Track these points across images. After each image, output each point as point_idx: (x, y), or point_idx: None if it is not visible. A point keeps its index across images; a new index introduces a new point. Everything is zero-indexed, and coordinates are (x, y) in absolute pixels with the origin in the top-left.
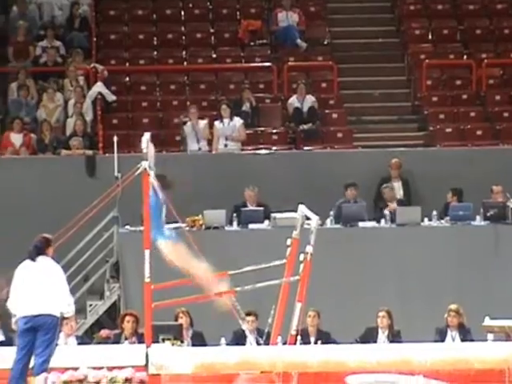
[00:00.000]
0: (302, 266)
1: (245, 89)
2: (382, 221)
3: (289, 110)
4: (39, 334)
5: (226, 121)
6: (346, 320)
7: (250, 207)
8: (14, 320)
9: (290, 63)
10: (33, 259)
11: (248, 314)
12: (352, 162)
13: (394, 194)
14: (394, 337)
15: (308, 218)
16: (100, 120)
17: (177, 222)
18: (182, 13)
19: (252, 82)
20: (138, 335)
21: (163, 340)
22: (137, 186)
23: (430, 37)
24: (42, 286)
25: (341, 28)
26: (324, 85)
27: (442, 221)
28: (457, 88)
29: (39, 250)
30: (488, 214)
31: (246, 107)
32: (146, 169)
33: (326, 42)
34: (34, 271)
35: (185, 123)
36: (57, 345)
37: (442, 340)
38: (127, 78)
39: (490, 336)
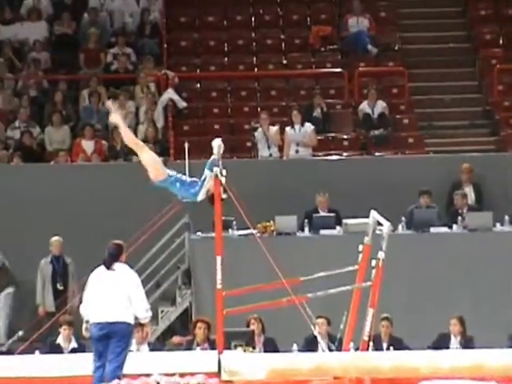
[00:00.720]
0: (373, 271)
1: (316, 95)
2: (454, 226)
3: (359, 116)
4: (112, 340)
5: (297, 127)
6: (418, 326)
7: (322, 213)
8: (84, 326)
9: (360, 69)
10: (107, 267)
11: (318, 317)
12: (423, 167)
13: (465, 200)
14: (467, 343)
15: (380, 224)
16: (171, 126)
17: (248, 228)
18: (253, 19)
19: (323, 88)
20: (209, 341)
21: (235, 346)
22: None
23: (501, 41)
24: (116, 293)
25: (412, 33)
26: (395, 90)
27: None
28: None
29: (113, 258)
30: None
31: (316, 113)
32: (217, 175)
33: (396, 48)
34: (109, 278)
35: (256, 129)
36: (129, 351)
37: None
38: (198, 85)
39: None
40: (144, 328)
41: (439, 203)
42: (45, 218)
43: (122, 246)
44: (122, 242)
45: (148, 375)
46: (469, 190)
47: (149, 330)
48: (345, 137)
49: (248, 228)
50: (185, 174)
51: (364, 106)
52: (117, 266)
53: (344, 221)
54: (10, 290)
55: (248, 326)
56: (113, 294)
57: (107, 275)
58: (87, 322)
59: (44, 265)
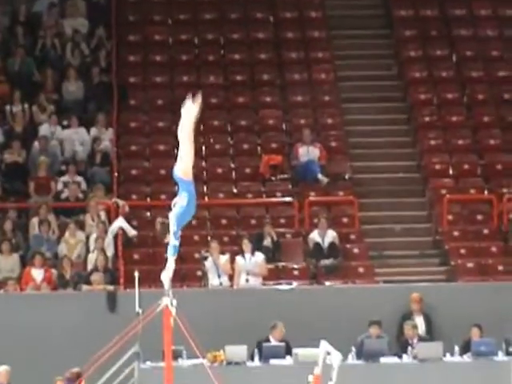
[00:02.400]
0: None
1: (266, 224)
2: (404, 356)
3: (310, 245)
4: None
5: (247, 256)
6: None
7: (273, 343)
8: None
9: (311, 198)
10: None
11: None
12: (373, 297)
13: (415, 331)
14: None
15: (330, 354)
16: (121, 255)
17: (198, 358)
18: (203, 148)
19: (273, 217)
20: None
21: None
22: (158, 321)
23: (450, 172)
24: None
25: (362, 163)
26: (345, 219)
27: (464, 356)
28: (478, 223)
29: None
30: (510, 349)
31: (267, 242)
32: (167, 305)
33: (347, 177)
34: None
35: (206, 258)
36: None
37: None
38: (148, 213)
39: None
40: None
41: (389, 333)
42: None
43: (78, 374)
44: (79, 369)
45: None
46: (419, 320)
47: None
48: (295, 266)
49: (198, 357)
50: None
51: (314, 236)
52: None
53: (294, 350)
54: None
55: None
56: None
57: None
58: None
59: None
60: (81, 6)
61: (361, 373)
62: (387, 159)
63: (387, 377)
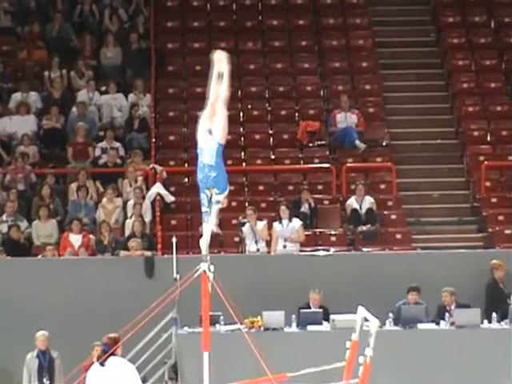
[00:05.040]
0: (361, 368)
1: (303, 190)
2: (442, 322)
3: (347, 211)
4: None
5: (284, 222)
6: None
7: (311, 309)
8: None
9: (348, 164)
10: (101, 363)
11: None
12: (411, 263)
13: (453, 297)
14: None
15: (367, 320)
16: (159, 221)
17: (236, 324)
18: (241, 114)
19: (311, 183)
20: None
21: None
22: (195, 287)
23: (488, 138)
24: None
25: (399, 129)
26: (383, 186)
27: (502, 323)
28: None
29: (108, 353)
30: None
31: (304, 208)
32: (204, 270)
33: (384, 143)
34: (107, 375)
35: (243, 224)
36: None
37: None
38: (186, 179)
39: None
40: None
41: (427, 299)
42: (31, 312)
43: (116, 339)
44: (116, 334)
45: None
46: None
47: None
48: (332, 232)
49: (235, 323)
50: None
51: (352, 202)
52: (112, 360)
53: (331, 317)
54: None
55: None
56: None
57: (104, 372)
58: None
59: (30, 359)
60: None
61: (398, 339)
62: (425, 126)
63: (424, 343)
